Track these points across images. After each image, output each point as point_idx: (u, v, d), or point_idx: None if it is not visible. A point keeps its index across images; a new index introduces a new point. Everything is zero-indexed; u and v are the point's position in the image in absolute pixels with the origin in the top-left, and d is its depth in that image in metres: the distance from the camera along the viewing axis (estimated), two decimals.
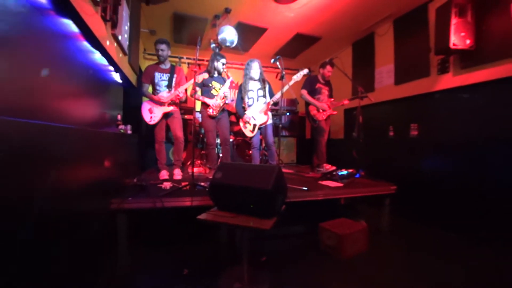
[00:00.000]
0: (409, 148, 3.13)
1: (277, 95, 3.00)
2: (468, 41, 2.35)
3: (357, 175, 2.93)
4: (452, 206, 2.57)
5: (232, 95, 4.96)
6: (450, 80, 2.67)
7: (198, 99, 3.07)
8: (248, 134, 3.21)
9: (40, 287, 0.88)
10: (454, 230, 2.47)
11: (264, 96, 3.17)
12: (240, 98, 3.25)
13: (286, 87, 2.94)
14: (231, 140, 4.01)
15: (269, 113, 3.17)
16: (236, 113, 3.44)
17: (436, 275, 1.76)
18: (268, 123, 3.15)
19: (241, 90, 3.24)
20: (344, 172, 2.79)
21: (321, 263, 1.94)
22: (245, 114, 3.17)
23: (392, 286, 1.64)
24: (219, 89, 3.12)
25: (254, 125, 3.14)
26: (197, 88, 3.09)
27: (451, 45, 2.34)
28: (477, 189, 2.37)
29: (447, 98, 2.72)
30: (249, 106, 3.18)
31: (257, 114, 3.12)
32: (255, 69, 3.13)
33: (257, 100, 3.16)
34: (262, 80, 3.20)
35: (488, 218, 2.26)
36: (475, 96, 2.45)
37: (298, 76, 3.03)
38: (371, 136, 3.60)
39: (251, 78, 3.16)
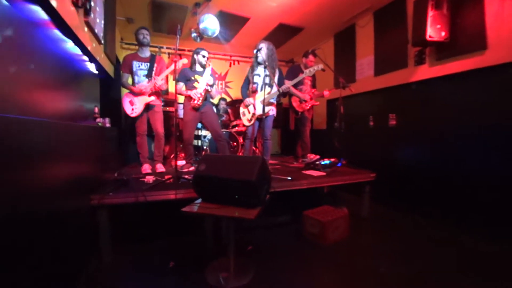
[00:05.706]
0: (388, 137, 3.26)
1: (274, 90, 2.94)
2: (443, 33, 2.43)
3: (339, 164, 3.01)
4: (429, 193, 2.71)
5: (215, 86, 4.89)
6: (426, 71, 2.78)
7: (181, 94, 2.99)
8: (246, 123, 3.10)
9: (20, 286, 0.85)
10: (431, 216, 2.62)
11: (271, 86, 2.99)
12: (247, 81, 3.08)
13: (297, 80, 3.01)
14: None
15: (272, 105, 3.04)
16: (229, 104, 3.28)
17: (413, 259, 1.88)
18: (269, 114, 3.02)
19: (248, 73, 3.09)
20: (327, 161, 2.86)
21: (305, 250, 2.00)
22: (247, 98, 3.03)
23: (371, 270, 1.73)
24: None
25: (253, 115, 3.02)
26: (181, 83, 3.00)
27: (427, 37, 2.41)
28: (452, 177, 2.51)
29: (423, 88, 2.83)
30: (253, 92, 3.06)
31: (258, 104, 2.97)
32: (263, 53, 2.88)
33: (261, 89, 2.97)
34: (272, 67, 2.92)
35: (463, 205, 2.40)
36: (449, 86, 2.57)
37: (310, 71, 2.97)
38: (352, 126, 3.69)
39: (259, 63, 3.00)
